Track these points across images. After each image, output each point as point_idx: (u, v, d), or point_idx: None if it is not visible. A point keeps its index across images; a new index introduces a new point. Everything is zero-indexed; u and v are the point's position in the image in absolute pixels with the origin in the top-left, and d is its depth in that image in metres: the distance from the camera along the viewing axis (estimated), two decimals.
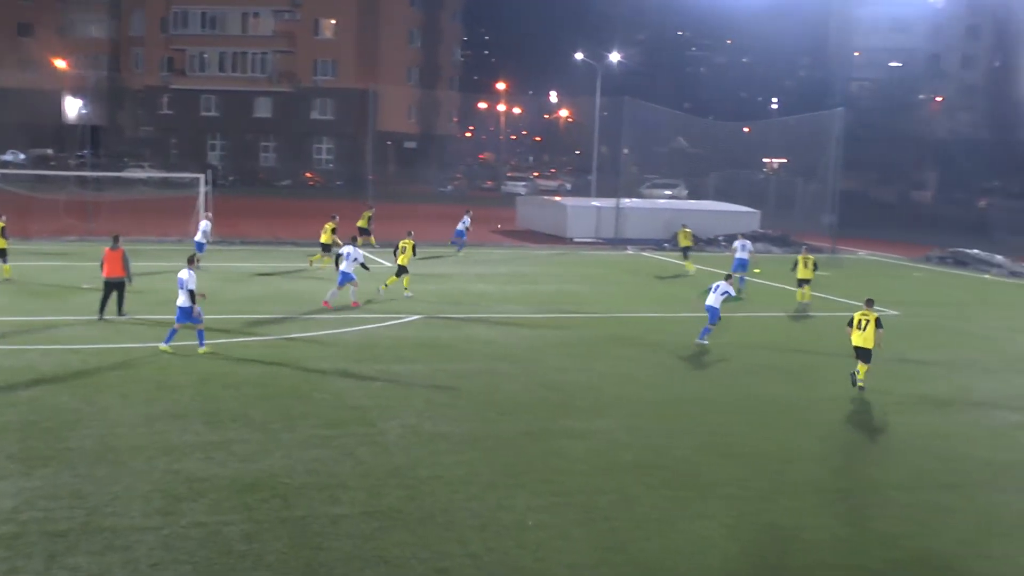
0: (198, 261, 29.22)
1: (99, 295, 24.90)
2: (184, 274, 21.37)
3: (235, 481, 13.76)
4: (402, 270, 30.61)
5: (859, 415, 19.49)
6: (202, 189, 43.95)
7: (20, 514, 12.34)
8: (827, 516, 13.68)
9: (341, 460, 14.87)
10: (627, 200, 57.01)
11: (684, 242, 41.84)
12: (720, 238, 53.27)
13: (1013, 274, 45.04)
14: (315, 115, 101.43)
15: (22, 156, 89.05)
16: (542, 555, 11.90)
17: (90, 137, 78.57)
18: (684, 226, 42.90)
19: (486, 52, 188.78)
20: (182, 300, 21.32)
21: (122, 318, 24.80)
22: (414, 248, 31.05)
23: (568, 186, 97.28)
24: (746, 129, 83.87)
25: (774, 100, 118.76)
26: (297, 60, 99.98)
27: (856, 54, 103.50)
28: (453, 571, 11.38)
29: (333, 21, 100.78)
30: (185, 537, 11.87)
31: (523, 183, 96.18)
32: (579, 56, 74.08)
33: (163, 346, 21.54)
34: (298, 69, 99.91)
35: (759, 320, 27.42)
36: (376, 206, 47.04)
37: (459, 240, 45.10)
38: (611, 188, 58.88)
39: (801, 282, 32.44)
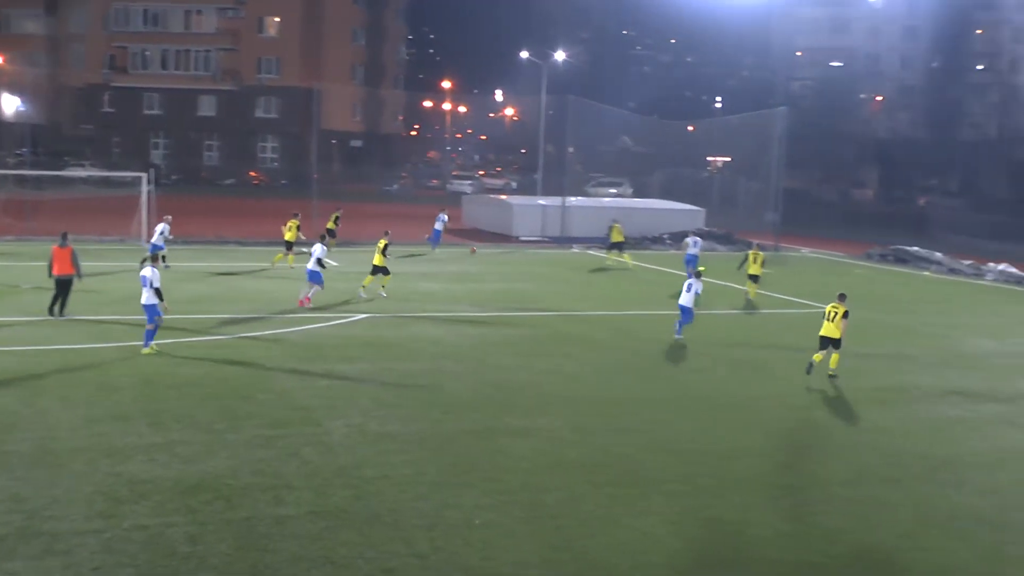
0: (163, 258, 28.78)
1: (37, 296, 24.50)
2: (148, 271, 21.03)
3: (179, 483, 13.62)
4: (377, 269, 30.61)
5: (803, 411, 19.72)
6: (144, 188, 43.39)
7: None
8: (770, 512, 13.83)
9: (286, 460, 14.77)
10: (573, 199, 57.35)
11: (616, 237, 42.26)
12: (665, 236, 53.68)
13: (952, 271, 45.77)
14: (259, 113, 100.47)
15: None
16: (488, 554, 11.92)
17: (29, 135, 77.37)
18: (615, 221, 43.28)
19: (431, 51, 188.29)
20: (146, 298, 20.95)
21: (62, 318, 24.44)
22: (385, 248, 30.95)
23: (514, 185, 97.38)
24: (690, 128, 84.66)
25: (718, 99, 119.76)
26: (241, 58, 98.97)
27: (798, 54, 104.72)
28: (400, 571, 11.36)
29: (277, 19, 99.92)
30: (128, 540, 11.72)
31: (469, 182, 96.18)
32: (524, 55, 74.19)
33: (145, 349, 21.10)
34: (242, 67, 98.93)
35: (704, 318, 27.58)
36: (342, 206, 46.61)
37: (435, 239, 45.54)
38: (557, 187, 59.09)
39: (751, 278, 32.79)
